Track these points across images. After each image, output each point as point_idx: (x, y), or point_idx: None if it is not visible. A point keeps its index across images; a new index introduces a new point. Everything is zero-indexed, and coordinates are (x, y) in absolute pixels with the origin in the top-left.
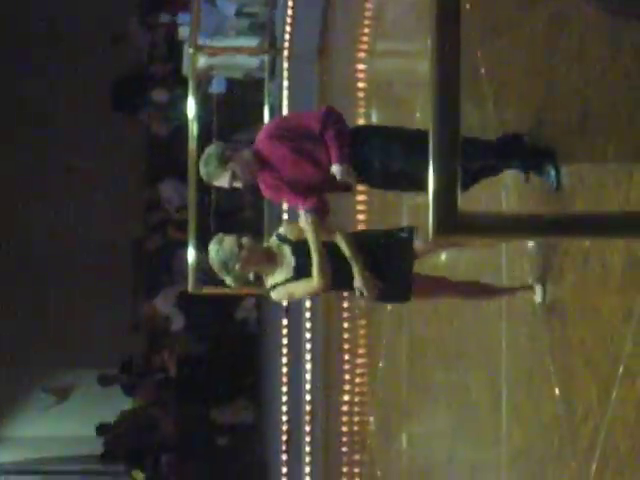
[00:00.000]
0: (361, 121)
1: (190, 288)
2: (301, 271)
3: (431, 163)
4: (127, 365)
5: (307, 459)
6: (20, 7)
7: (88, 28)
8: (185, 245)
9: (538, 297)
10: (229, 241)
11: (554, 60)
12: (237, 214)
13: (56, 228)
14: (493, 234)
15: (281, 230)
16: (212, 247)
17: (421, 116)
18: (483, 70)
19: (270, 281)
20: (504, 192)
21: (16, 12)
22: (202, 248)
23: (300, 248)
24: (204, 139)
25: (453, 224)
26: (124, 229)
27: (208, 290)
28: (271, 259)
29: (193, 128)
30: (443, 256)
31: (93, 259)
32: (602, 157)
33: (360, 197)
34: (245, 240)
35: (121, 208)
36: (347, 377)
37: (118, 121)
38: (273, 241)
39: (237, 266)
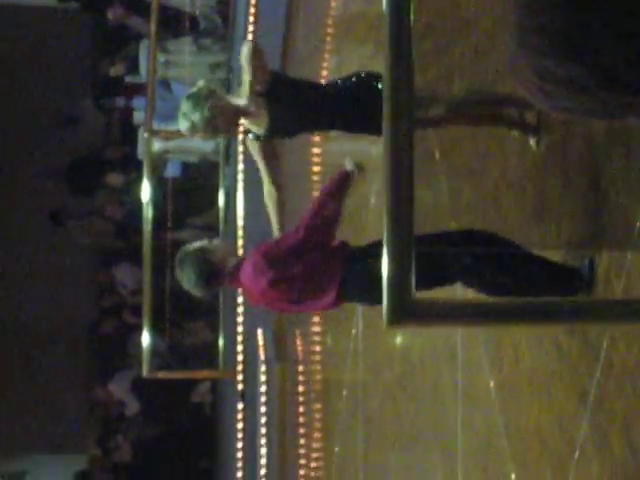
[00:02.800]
0: None
1: (145, 373)
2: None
3: (385, 248)
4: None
5: None
6: None
7: (41, 110)
8: (140, 329)
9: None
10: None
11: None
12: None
13: (9, 310)
14: (450, 322)
15: None
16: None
17: (375, 202)
18: (437, 153)
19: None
20: None
21: None
22: (156, 332)
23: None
24: (158, 223)
25: (407, 311)
26: (78, 313)
27: (163, 374)
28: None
29: (147, 212)
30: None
31: (46, 342)
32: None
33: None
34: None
35: (75, 291)
36: (303, 462)
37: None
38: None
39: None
